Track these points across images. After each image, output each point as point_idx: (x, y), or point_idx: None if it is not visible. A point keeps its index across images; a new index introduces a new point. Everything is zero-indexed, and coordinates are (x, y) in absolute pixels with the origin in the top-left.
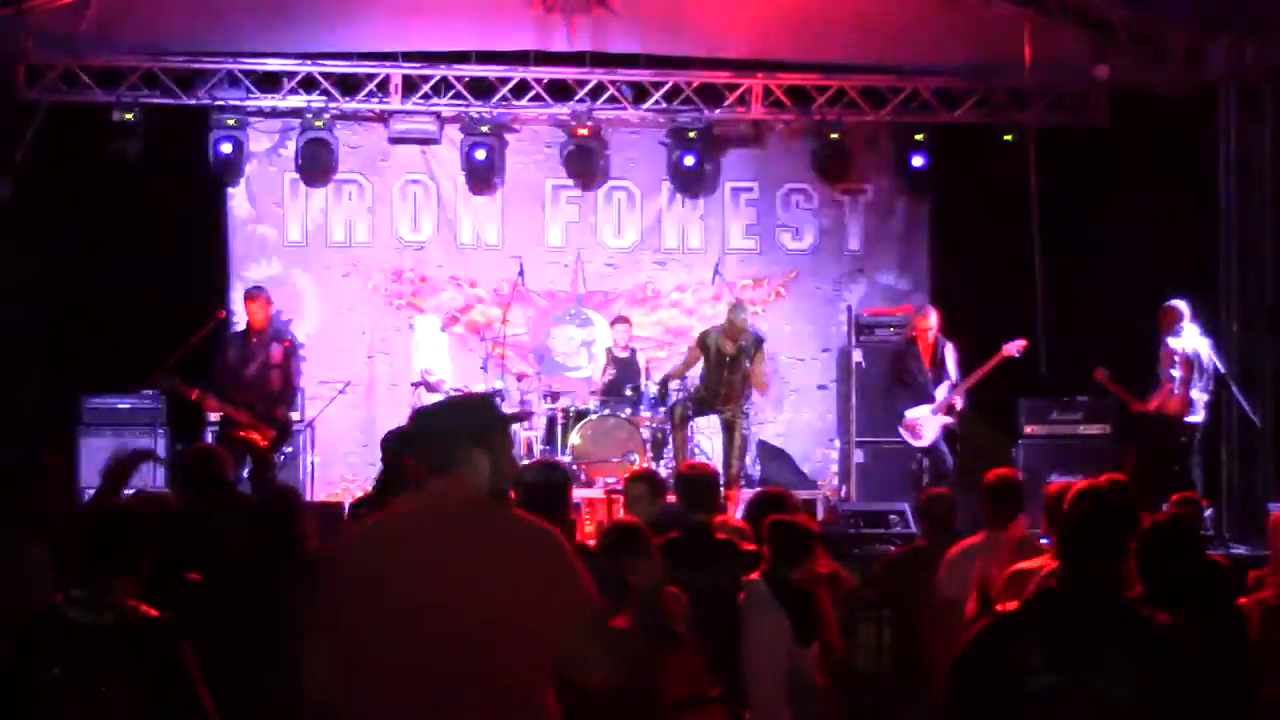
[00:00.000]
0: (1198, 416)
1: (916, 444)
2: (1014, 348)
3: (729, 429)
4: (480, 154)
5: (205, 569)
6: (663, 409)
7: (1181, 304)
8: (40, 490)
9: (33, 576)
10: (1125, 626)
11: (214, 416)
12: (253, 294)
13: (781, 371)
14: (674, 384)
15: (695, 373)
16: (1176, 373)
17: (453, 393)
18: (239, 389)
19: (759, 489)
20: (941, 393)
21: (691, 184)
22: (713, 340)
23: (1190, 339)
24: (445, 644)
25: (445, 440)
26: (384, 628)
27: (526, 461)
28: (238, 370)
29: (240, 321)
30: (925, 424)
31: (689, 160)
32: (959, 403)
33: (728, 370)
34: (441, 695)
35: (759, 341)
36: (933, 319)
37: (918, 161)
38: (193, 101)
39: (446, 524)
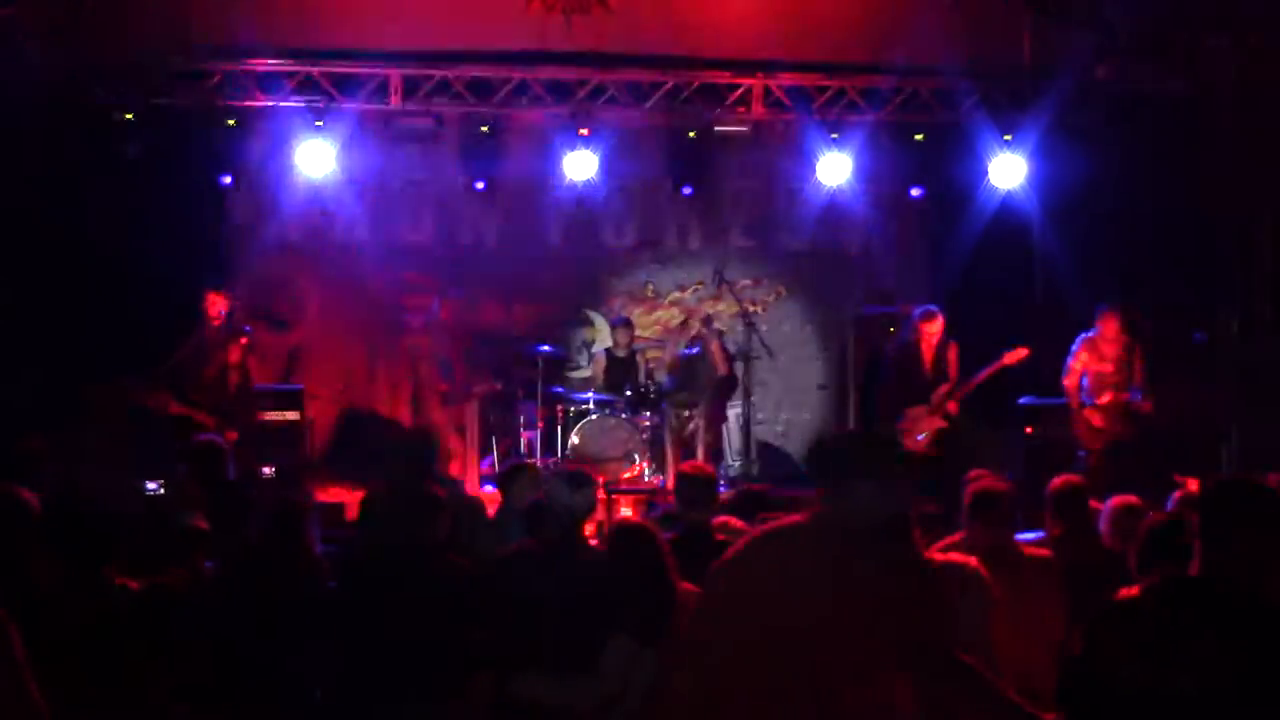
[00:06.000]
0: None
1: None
2: (1015, 356)
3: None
4: (480, 154)
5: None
6: (665, 404)
7: (1116, 308)
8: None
9: None
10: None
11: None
12: (213, 289)
13: (781, 371)
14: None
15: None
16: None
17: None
18: (198, 390)
19: (744, 486)
20: (940, 394)
21: (691, 183)
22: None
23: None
24: (835, 658)
25: (846, 469)
26: (766, 636)
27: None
28: (197, 371)
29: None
30: (922, 424)
31: (689, 160)
32: (955, 405)
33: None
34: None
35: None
36: (939, 323)
37: (915, 193)
38: (193, 101)
39: (844, 547)
